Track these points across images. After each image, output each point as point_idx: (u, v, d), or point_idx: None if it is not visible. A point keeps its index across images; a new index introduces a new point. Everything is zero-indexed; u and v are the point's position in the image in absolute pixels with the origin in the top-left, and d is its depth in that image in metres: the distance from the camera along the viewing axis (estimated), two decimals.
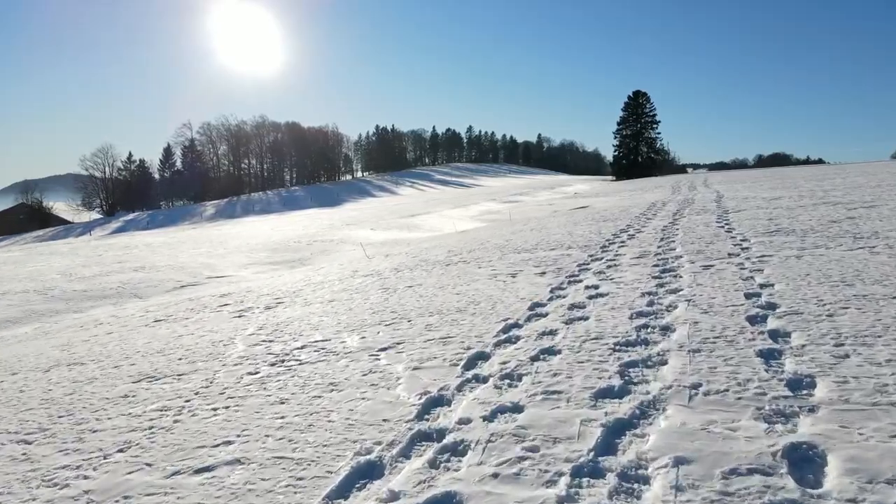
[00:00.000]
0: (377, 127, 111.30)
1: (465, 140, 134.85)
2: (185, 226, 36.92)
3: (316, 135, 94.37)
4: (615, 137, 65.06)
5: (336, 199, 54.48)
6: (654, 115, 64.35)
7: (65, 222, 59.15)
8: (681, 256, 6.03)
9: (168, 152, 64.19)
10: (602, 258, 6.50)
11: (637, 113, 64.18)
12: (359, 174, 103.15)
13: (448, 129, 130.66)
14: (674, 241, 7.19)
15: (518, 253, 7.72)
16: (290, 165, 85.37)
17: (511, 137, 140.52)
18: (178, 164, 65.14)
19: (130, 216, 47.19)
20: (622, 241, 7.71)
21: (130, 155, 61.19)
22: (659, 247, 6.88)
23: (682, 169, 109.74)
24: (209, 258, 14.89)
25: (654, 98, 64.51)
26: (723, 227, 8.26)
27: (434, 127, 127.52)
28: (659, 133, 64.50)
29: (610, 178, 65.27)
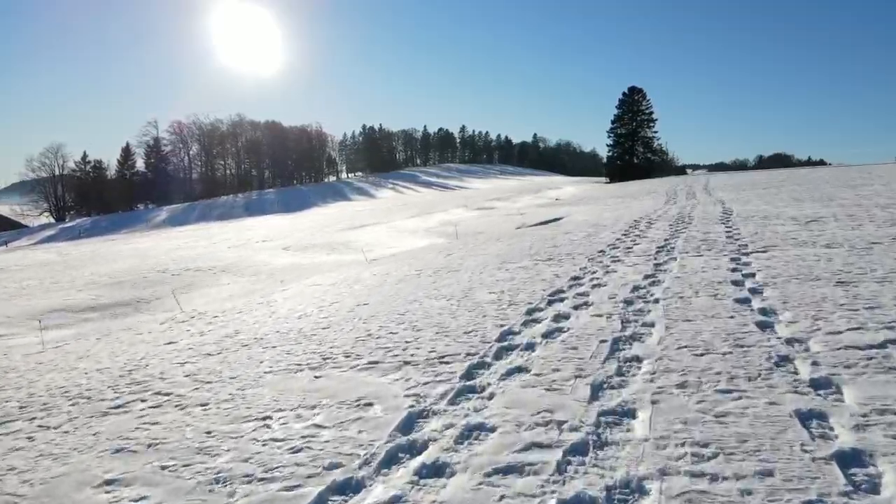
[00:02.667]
0: (364, 126, 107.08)
1: (459, 140, 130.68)
2: (120, 235, 32.67)
3: (299, 134, 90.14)
4: (609, 137, 60.75)
5: (306, 203, 50.24)
6: (651, 113, 60.06)
7: (18, 226, 54.82)
8: (649, 485, 1.83)
9: (127, 152, 59.43)
10: (427, 443, 2.30)
11: (633, 110, 59.85)
12: (344, 175, 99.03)
13: (440, 129, 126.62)
14: (639, 365, 2.97)
15: (293, 373, 3.50)
16: (269, 166, 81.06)
17: (506, 137, 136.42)
18: (142, 164, 60.63)
19: (72, 223, 42.84)
20: (529, 344, 3.48)
21: (85, 155, 56.33)
22: (605, 386, 2.66)
23: (681, 170, 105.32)
24: (8, 298, 10.68)
25: (653, 96, 60.48)
26: (746, 301, 3.99)
27: (425, 126, 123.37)
28: (656, 132, 60.20)
29: (604, 179, 61.02)
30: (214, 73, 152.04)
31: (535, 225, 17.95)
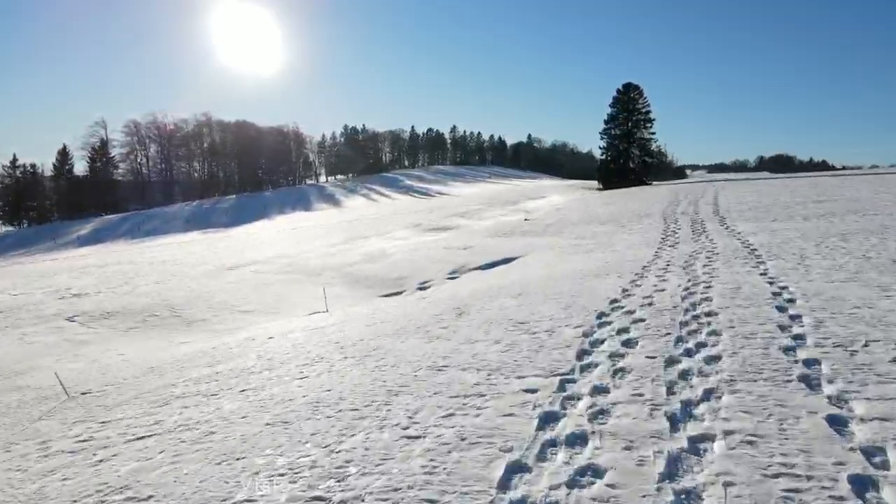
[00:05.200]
0: (346, 127, 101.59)
1: (449, 141, 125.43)
2: (15, 255, 27.13)
3: (274, 135, 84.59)
4: (602, 138, 55.20)
5: (258, 213, 44.66)
6: (649, 113, 54.45)
7: None
8: None
9: (64, 155, 53.51)
10: None
11: (628, 109, 54.25)
12: (324, 179, 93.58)
13: (430, 130, 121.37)
14: None
15: None
16: (236, 170, 75.41)
17: (500, 138, 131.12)
18: (86, 168, 54.87)
19: None
20: None
21: (15, 158, 50.54)
22: None
23: (680, 171, 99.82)
24: None
25: (652, 96, 55.12)
26: None
27: (413, 127, 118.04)
28: (653, 133, 54.65)
29: (597, 185, 55.48)
30: (196, 73, 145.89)
31: (475, 269, 12.62)
